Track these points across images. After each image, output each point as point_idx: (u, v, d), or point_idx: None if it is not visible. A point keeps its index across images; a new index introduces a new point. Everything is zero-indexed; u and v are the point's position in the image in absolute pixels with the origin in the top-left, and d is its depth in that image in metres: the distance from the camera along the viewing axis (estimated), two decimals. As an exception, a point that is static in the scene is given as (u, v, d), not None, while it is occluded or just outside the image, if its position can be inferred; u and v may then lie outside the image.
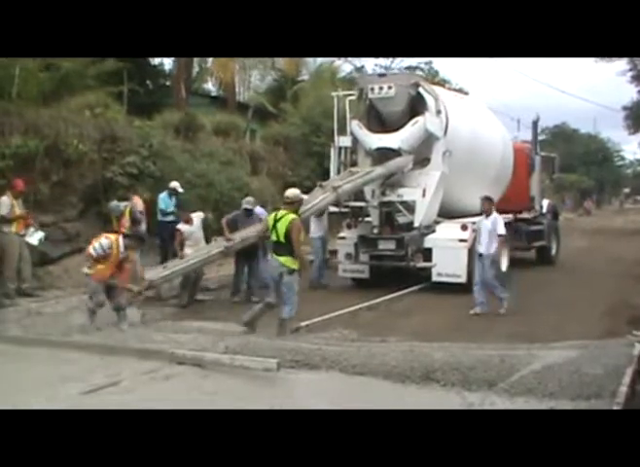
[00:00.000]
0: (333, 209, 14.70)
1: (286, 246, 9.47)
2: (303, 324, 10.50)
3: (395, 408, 6.20)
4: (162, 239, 15.30)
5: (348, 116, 15.39)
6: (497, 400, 6.75)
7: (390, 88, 14.26)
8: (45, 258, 13.44)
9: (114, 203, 13.27)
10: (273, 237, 9.61)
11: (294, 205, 9.88)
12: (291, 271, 9.54)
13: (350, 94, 15.78)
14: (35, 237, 12.54)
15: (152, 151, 16.33)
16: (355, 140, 15.18)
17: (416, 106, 14.57)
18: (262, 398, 6.91)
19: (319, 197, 13.17)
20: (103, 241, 10.31)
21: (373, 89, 14.46)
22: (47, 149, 14.21)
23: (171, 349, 8.43)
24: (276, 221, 9.57)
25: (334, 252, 17.14)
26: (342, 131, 15.56)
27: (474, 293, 11.80)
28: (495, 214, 11.93)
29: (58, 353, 8.76)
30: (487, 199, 12.22)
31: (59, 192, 14.55)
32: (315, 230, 15.05)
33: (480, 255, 11.83)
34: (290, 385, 7.47)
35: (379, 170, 14.18)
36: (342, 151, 15.63)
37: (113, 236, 10.51)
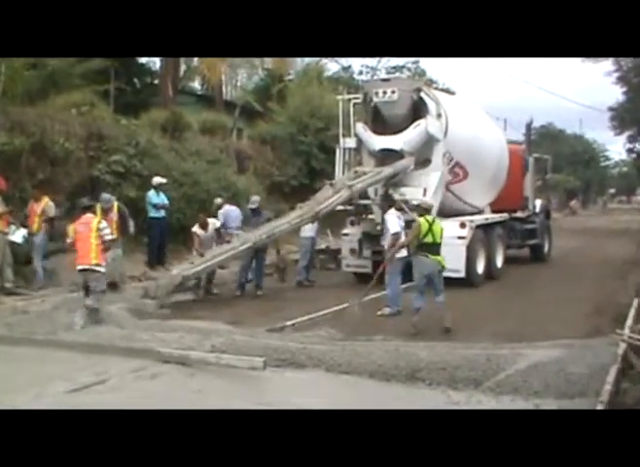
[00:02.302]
0: (340, 207, 15.08)
1: (440, 247, 10.54)
2: (290, 323, 10.51)
3: (380, 407, 6.23)
4: (152, 237, 15.30)
5: (353, 118, 15.94)
6: (483, 399, 6.80)
7: (394, 92, 14.93)
8: (31, 256, 13.36)
9: (107, 195, 13.20)
10: (429, 240, 10.42)
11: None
12: (444, 268, 10.66)
13: (355, 98, 16.36)
14: (18, 235, 12.47)
15: (138, 149, 16.31)
16: (359, 142, 15.79)
17: (418, 110, 15.16)
18: (248, 397, 6.91)
19: (336, 195, 13.88)
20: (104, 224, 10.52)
21: (377, 94, 15.14)
22: (33, 147, 14.15)
23: (158, 348, 8.42)
24: (431, 225, 10.45)
25: (321, 251, 17.39)
26: (347, 133, 16.11)
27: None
28: (390, 212, 12.29)
29: (44, 352, 8.73)
30: (384, 198, 13.08)
31: (45, 190, 14.46)
32: (306, 230, 15.14)
33: None
34: (276, 384, 7.47)
35: (388, 170, 14.74)
36: (347, 152, 16.19)
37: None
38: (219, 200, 15.89)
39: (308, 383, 7.54)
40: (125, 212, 13.24)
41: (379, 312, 11.59)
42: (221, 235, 13.82)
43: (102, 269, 10.30)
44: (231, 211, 15.29)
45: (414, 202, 11.69)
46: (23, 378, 7.52)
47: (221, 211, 15.18)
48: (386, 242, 12.07)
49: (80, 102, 17.37)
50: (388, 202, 12.76)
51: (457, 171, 15.88)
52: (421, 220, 10.51)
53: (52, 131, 14.68)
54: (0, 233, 12.09)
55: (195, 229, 13.74)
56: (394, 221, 12.01)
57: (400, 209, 12.69)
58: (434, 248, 10.44)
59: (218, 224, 14.01)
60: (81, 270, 10.34)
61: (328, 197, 13.96)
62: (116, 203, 13.13)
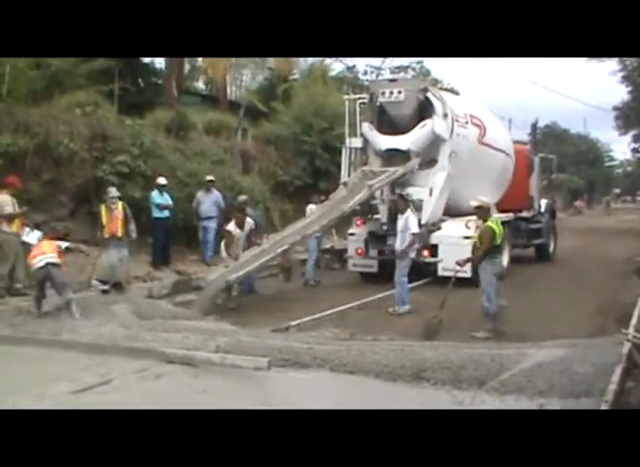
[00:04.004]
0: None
1: None
2: (294, 323, 10.51)
3: (385, 407, 6.22)
4: (156, 237, 15.31)
5: (359, 118, 16.02)
6: (487, 398, 6.78)
7: (400, 92, 15.06)
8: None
9: (113, 189, 13.16)
10: (499, 241, 10.32)
11: None
12: None
13: (361, 98, 16.48)
14: (33, 237, 12.44)
15: (143, 150, 16.28)
16: (366, 141, 15.90)
17: (424, 110, 15.25)
18: (252, 397, 6.91)
19: (360, 194, 14.16)
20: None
21: (383, 94, 15.27)
22: (37, 147, 14.15)
23: (162, 348, 8.42)
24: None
25: (326, 251, 17.44)
26: (353, 133, 16.21)
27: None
28: (408, 212, 12.25)
29: (48, 352, 8.73)
30: (400, 198, 12.88)
31: (50, 191, 14.48)
32: None
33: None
34: (280, 384, 7.46)
35: (402, 170, 14.92)
36: (353, 151, 16.31)
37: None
38: (209, 177, 16.71)
39: (313, 383, 7.53)
40: (129, 214, 13.20)
41: (390, 310, 11.72)
42: (252, 236, 13.56)
43: (60, 262, 10.80)
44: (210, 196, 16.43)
45: (473, 204, 11.14)
46: (27, 379, 7.52)
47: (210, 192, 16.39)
48: (402, 241, 11.98)
49: (84, 102, 17.35)
50: (404, 203, 12.64)
51: (477, 123, 16.16)
52: (494, 226, 10.20)
53: (56, 132, 14.67)
54: (14, 234, 12.09)
55: (231, 227, 13.35)
56: (414, 221, 12.06)
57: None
58: (500, 249, 10.64)
59: (252, 223, 13.71)
60: (41, 267, 10.63)
61: (346, 197, 14.19)
62: (120, 203, 13.12)
